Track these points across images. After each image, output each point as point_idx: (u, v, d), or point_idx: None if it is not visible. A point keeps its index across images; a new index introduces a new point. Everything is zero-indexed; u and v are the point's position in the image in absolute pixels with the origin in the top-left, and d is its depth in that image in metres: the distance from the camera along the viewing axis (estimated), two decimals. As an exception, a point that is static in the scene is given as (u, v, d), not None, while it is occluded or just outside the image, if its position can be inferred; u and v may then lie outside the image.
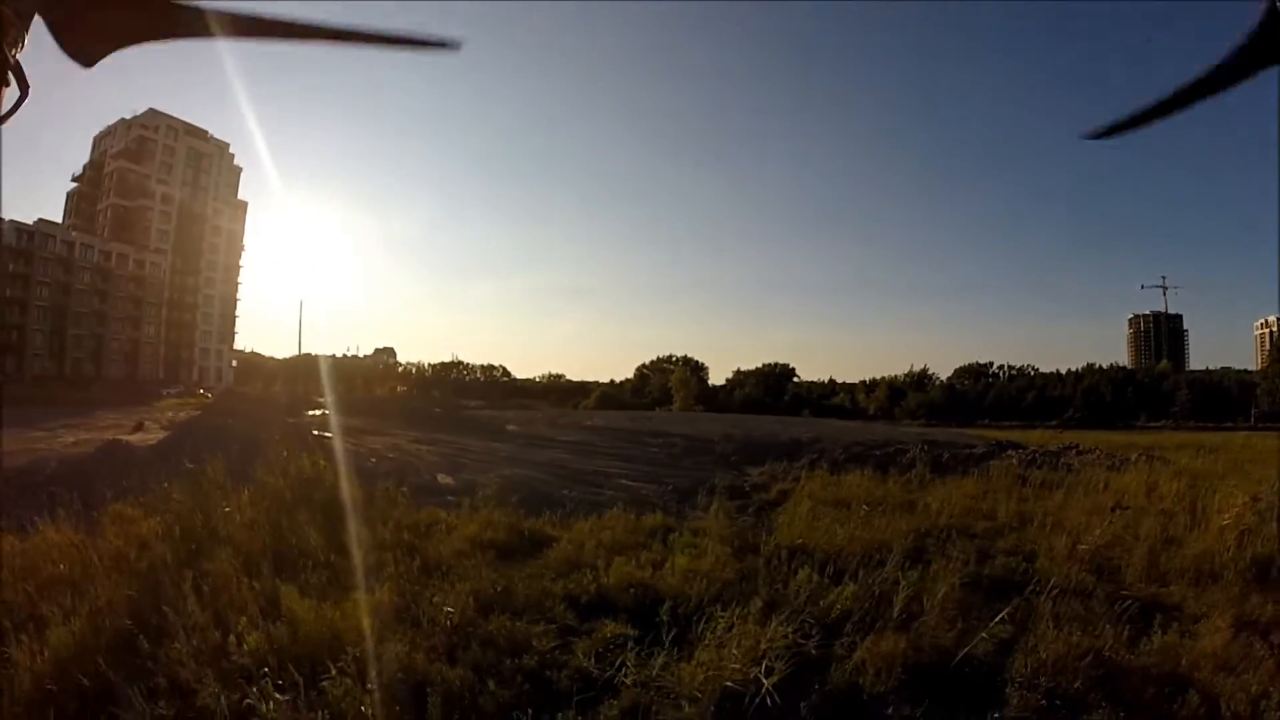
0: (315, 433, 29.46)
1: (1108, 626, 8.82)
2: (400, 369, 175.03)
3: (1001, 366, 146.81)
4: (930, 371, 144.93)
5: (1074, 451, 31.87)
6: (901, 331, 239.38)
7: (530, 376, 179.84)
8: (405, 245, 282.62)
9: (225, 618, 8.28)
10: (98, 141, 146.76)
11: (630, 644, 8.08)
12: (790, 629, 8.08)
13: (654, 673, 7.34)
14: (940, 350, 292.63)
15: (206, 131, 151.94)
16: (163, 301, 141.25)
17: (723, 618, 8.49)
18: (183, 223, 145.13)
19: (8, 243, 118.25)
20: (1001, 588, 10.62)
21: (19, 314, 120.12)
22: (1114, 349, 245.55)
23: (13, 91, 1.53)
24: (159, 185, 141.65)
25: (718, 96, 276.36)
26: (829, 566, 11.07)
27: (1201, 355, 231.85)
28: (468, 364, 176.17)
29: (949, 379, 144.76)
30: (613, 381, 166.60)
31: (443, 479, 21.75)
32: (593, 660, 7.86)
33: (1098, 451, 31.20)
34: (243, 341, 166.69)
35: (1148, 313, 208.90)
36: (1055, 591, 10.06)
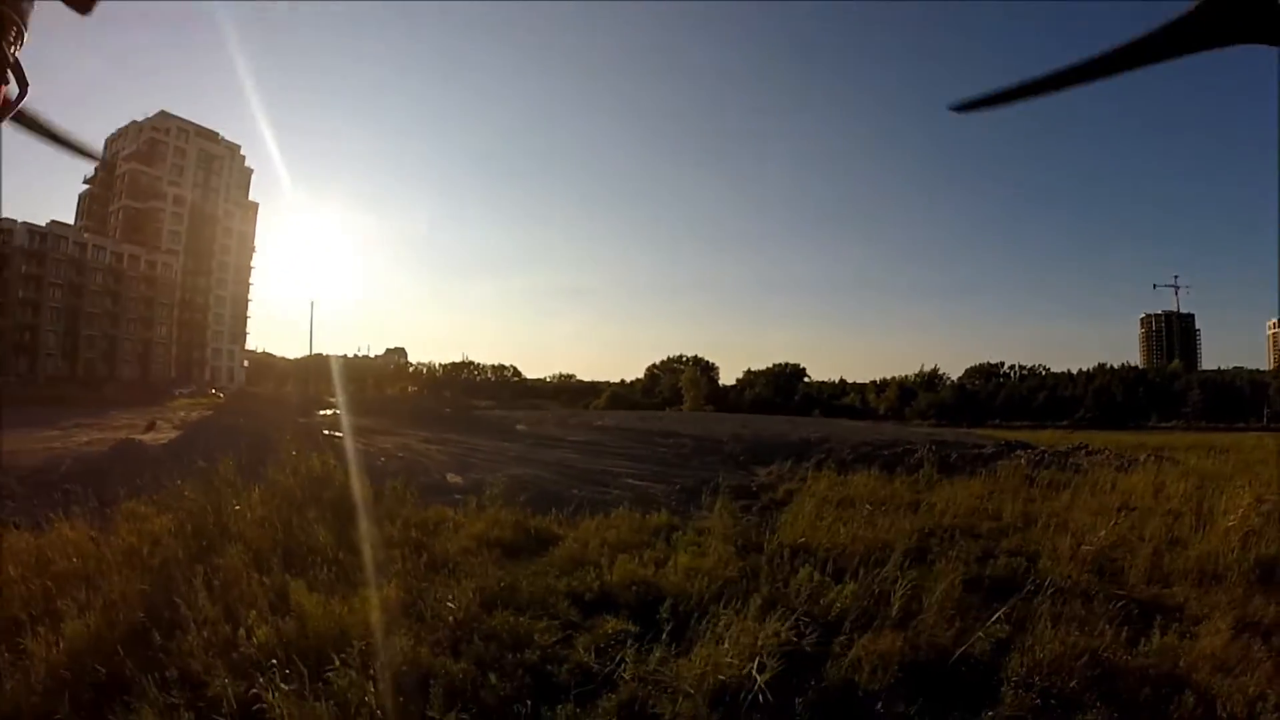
0: (326, 432, 29.66)
1: (1107, 627, 8.82)
2: (411, 369, 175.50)
3: (1012, 367, 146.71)
4: (941, 372, 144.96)
5: (1083, 452, 31.58)
6: (912, 331, 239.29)
7: (541, 377, 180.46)
8: (416, 246, 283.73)
9: (235, 612, 8.46)
10: (109, 144, 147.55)
11: (630, 640, 8.19)
12: (786, 627, 8.17)
13: (651, 668, 7.48)
14: (951, 350, 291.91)
15: (218, 133, 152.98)
16: (174, 302, 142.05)
17: (723, 615, 8.62)
18: (194, 224, 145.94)
19: (20, 244, 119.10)
20: (1003, 588, 10.60)
21: (32, 315, 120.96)
22: (1126, 349, 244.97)
23: (12, 89, 1.55)
24: (170, 187, 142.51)
25: (721, 96, 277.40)
26: (831, 565, 11.13)
27: (1214, 355, 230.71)
28: (478, 364, 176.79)
29: (960, 379, 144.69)
30: (623, 382, 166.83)
31: (451, 478, 21.85)
32: (593, 655, 7.98)
33: (1107, 452, 30.97)
34: (254, 342, 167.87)
35: (1160, 312, 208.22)
36: (1056, 592, 10.11)
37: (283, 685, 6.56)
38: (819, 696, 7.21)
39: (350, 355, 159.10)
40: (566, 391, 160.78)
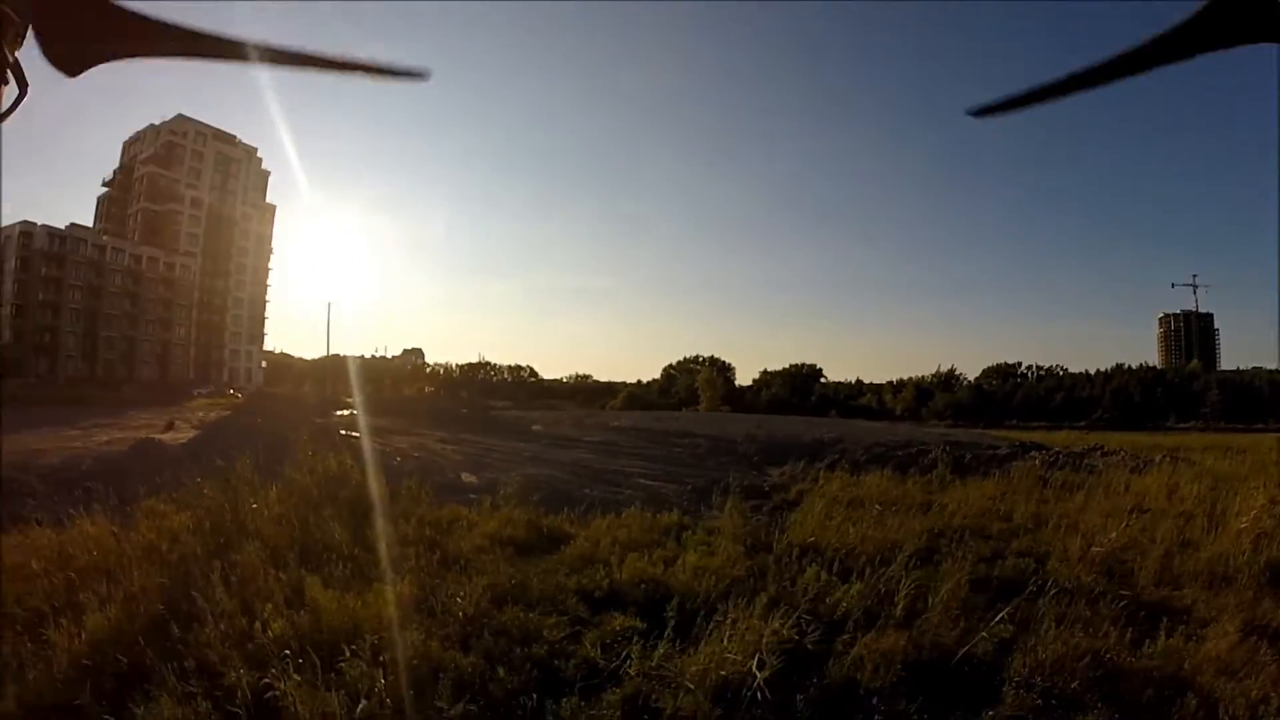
0: (343, 432, 29.87)
1: (1112, 629, 8.83)
2: (428, 370, 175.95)
3: (1030, 367, 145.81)
4: (958, 372, 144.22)
5: (1099, 453, 31.32)
6: (930, 332, 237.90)
7: (558, 377, 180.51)
8: (433, 247, 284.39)
9: (252, 606, 8.65)
10: (127, 147, 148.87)
11: (637, 637, 8.36)
12: (789, 625, 8.28)
13: (655, 664, 7.61)
14: (968, 351, 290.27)
15: (234, 136, 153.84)
16: (193, 303, 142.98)
17: (729, 613, 8.70)
18: (212, 226, 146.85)
19: (40, 247, 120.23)
20: (1010, 589, 10.59)
21: (52, 316, 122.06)
22: (1145, 349, 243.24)
23: (11, 90, 1.55)
24: (188, 190, 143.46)
25: (739, 97, 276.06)
26: (839, 565, 11.22)
27: (1233, 355, 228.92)
28: (495, 365, 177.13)
29: (977, 379, 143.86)
30: (640, 382, 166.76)
31: (466, 478, 22.01)
32: (599, 651, 8.12)
33: (1122, 453, 30.65)
34: (272, 343, 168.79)
35: (1178, 312, 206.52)
36: (1063, 593, 10.12)
37: (295, 676, 6.73)
38: (821, 694, 7.30)
39: (367, 356, 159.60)
40: (583, 392, 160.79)
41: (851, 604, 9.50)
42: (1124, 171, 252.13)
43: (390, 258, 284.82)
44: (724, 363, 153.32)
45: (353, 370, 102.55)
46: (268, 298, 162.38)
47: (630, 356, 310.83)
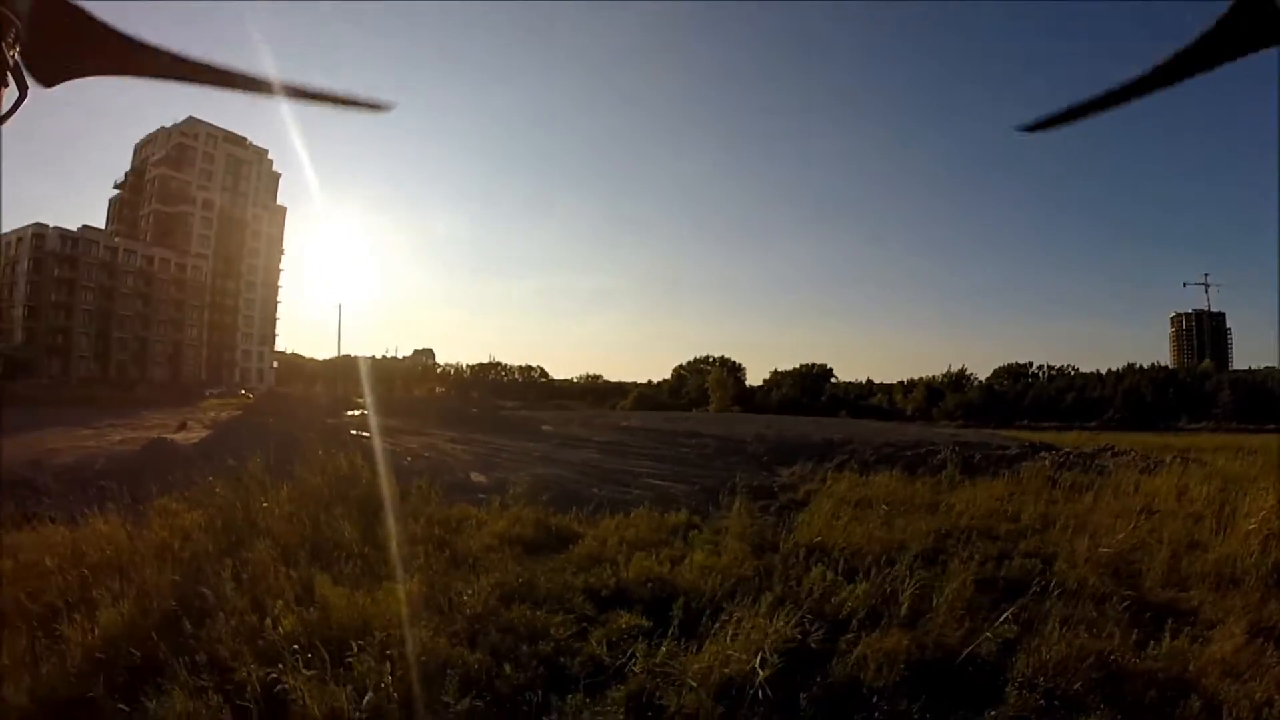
0: (353, 432, 30.06)
1: (1116, 630, 8.83)
2: (439, 370, 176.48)
3: (1041, 367, 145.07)
4: (968, 372, 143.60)
5: (1109, 453, 31.17)
6: (941, 332, 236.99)
7: (568, 377, 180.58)
8: (443, 248, 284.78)
9: (263, 603, 8.76)
10: (139, 149, 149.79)
11: (642, 635, 8.44)
12: (793, 624, 8.36)
13: (659, 661, 7.68)
14: (980, 350, 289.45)
15: (245, 139, 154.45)
16: (204, 304, 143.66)
17: (734, 612, 8.81)
18: (223, 227, 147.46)
19: (52, 249, 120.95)
20: (1016, 589, 10.61)
21: (64, 317, 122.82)
22: (1156, 348, 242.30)
23: (11, 92, 1.57)
24: (199, 191, 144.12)
25: (751, 95, 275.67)
26: (846, 565, 11.24)
27: (1245, 355, 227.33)
28: (506, 365, 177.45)
29: (987, 379, 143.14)
30: (650, 382, 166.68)
31: (476, 477, 22.14)
32: (605, 649, 8.20)
33: (1133, 453, 30.44)
34: (283, 343, 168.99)
35: (1190, 311, 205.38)
36: (1069, 594, 10.18)
37: (304, 671, 6.84)
38: (823, 692, 7.34)
39: (378, 356, 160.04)
40: (593, 392, 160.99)
41: (857, 604, 9.52)
42: (1136, 170, 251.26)
43: (401, 259, 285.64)
44: (734, 363, 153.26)
45: (364, 370, 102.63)
46: (279, 298, 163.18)
47: (641, 357, 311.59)
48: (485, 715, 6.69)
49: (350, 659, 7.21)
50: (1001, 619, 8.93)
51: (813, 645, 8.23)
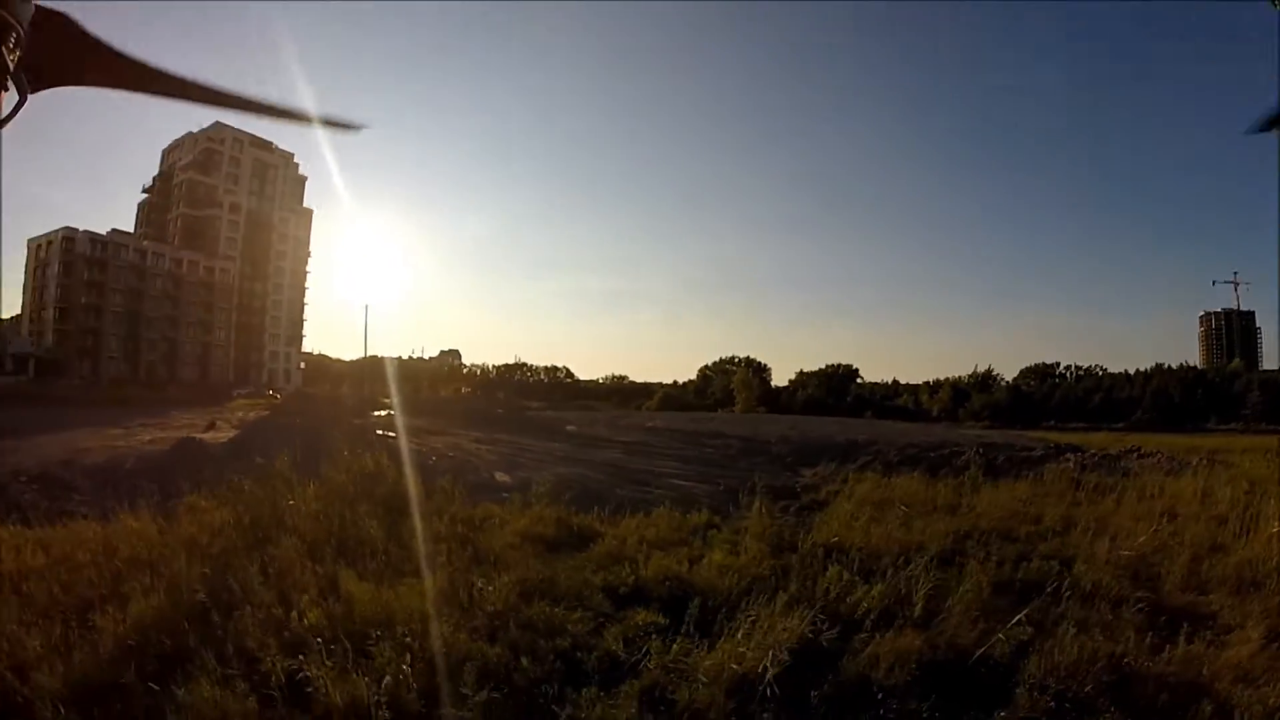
0: (379, 432, 30.29)
1: (1132, 633, 8.78)
2: (465, 370, 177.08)
3: (1069, 367, 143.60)
4: (995, 372, 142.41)
5: (1135, 455, 31.00)
6: (967, 332, 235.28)
7: (594, 378, 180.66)
8: (470, 249, 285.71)
9: (289, 596, 9.00)
10: (166, 154, 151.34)
11: (659, 632, 8.62)
12: (806, 623, 8.46)
13: (672, 658, 7.84)
14: (1007, 350, 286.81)
15: (272, 143, 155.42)
16: (232, 306, 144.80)
17: (749, 611, 8.92)
18: (250, 230, 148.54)
19: (82, 252, 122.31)
20: (1033, 591, 10.55)
21: (95, 319, 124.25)
22: (1186, 348, 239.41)
23: (11, 96, 1.59)
24: (227, 195, 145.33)
25: (778, 95, 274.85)
26: (864, 566, 11.32)
27: (1276, 354, 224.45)
28: (531, 366, 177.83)
29: (1014, 380, 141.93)
30: (676, 383, 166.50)
31: (500, 477, 22.27)
32: (621, 645, 8.34)
33: (1159, 455, 30.26)
34: (310, 344, 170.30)
35: (1219, 310, 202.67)
36: (1086, 596, 10.18)
37: (327, 662, 7.06)
38: (834, 690, 7.43)
39: (405, 357, 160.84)
40: (619, 393, 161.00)
41: (871, 604, 9.56)
42: (1166, 167, 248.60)
43: (429, 261, 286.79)
44: (760, 363, 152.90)
45: (390, 371, 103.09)
46: (306, 300, 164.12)
47: (667, 357, 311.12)
48: (502, 706, 6.85)
49: (371, 650, 7.40)
50: (1014, 620, 8.93)
51: (825, 644, 8.33)
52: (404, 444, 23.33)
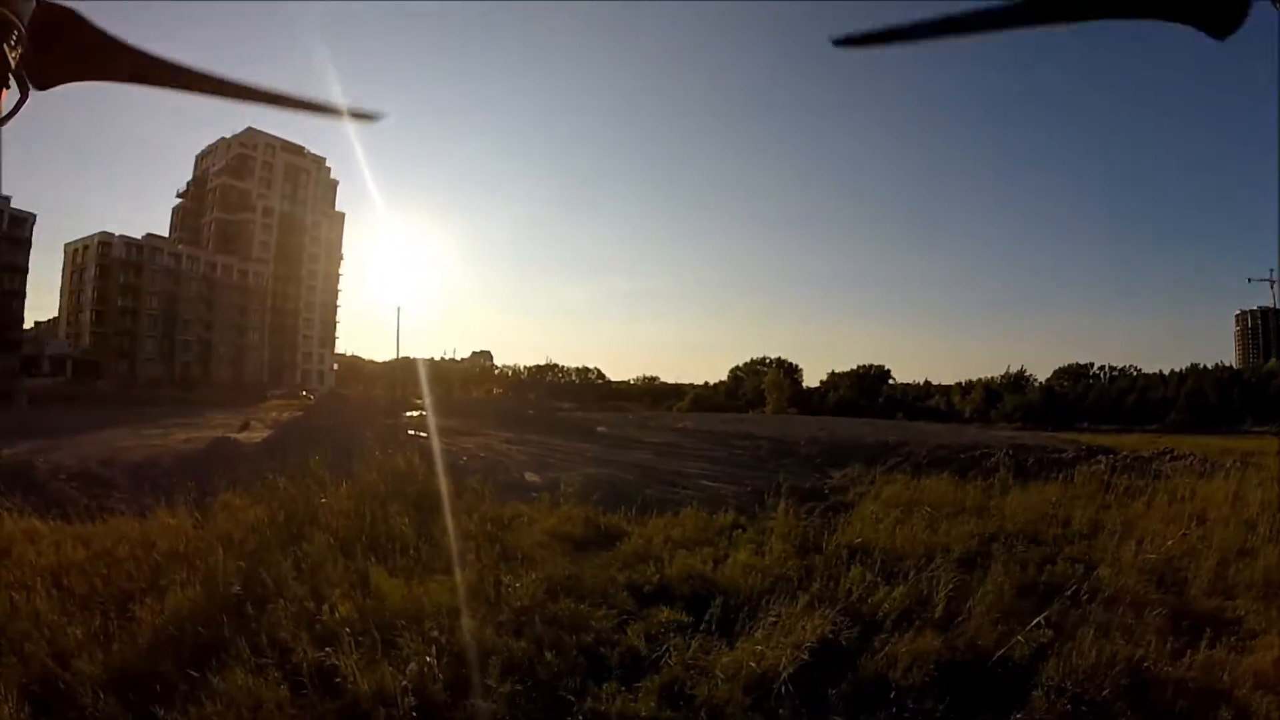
0: (411, 432, 30.59)
1: (1153, 637, 8.72)
2: (496, 372, 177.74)
3: (1102, 368, 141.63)
4: (1028, 373, 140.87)
5: (1167, 457, 30.67)
6: (1000, 331, 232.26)
7: (625, 379, 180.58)
8: (501, 250, 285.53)
9: (321, 591, 9.27)
10: (199, 160, 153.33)
11: (680, 630, 8.79)
12: (826, 622, 8.58)
13: (691, 654, 8.00)
14: (1040, 350, 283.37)
15: (303, 147, 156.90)
16: (266, 308, 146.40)
17: (770, 610, 9.06)
18: (283, 234, 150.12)
19: (118, 256, 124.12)
20: (1056, 594, 10.49)
21: (131, 322, 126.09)
22: (1222, 347, 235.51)
23: (12, 94, 1.58)
24: (259, 199, 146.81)
25: (805, 93, 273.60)
26: (888, 567, 11.38)
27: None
28: (563, 367, 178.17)
29: (1047, 380, 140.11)
30: (707, 384, 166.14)
31: (529, 477, 22.47)
32: (644, 641, 8.52)
33: (1192, 457, 29.81)
34: (343, 345, 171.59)
35: (1255, 308, 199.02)
36: (1108, 600, 10.13)
37: (355, 653, 7.30)
38: (852, 689, 7.53)
39: (437, 358, 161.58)
40: (650, 394, 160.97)
41: (893, 605, 9.63)
42: (1202, 163, 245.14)
43: (460, 262, 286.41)
44: (791, 364, 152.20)
45: (422, 372, 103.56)
46: (339, 302, 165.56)
47: (698, 358, 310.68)
48: (525, 698, 7.05)
49: (399, 642, 7.62)
50: (1033, 623, 8.94)
51: (844, 644, 8.45)
52: (435, 444, 23.52)
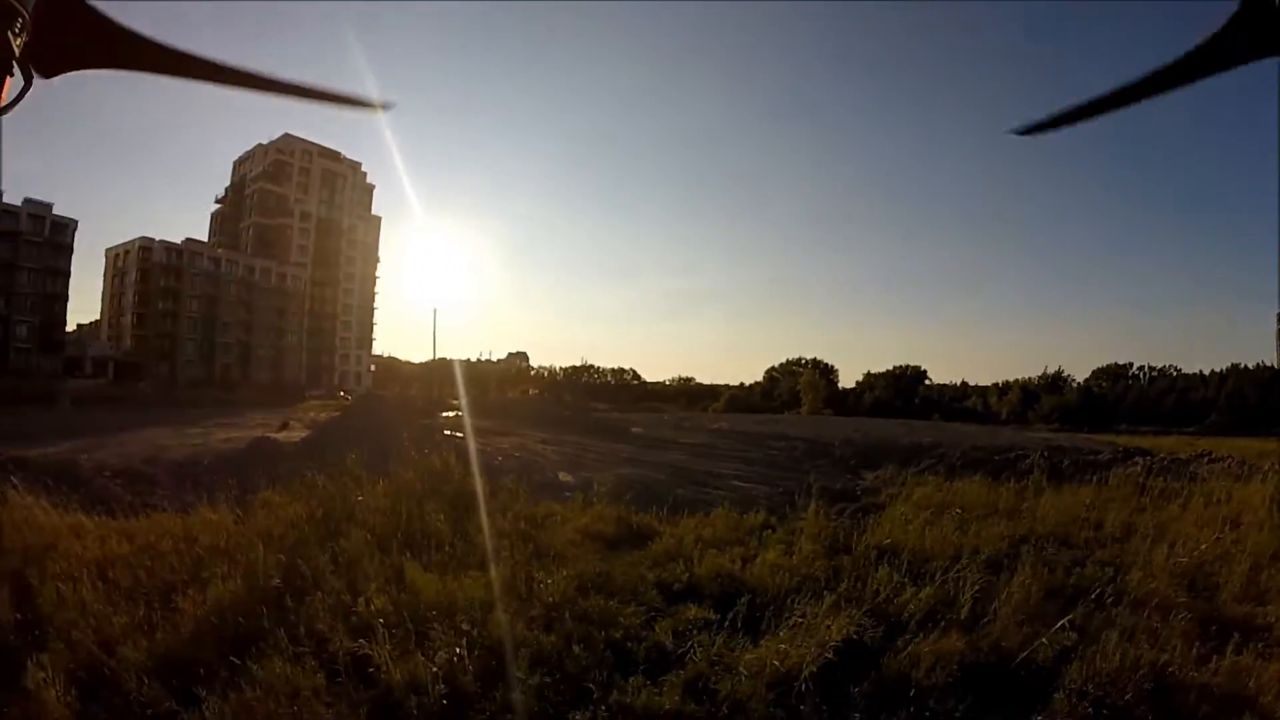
0: (447, 433, 30.84)
1: (1179, 642, 8.62)
2: (532, 372, 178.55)
3: (1142, 368, 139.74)
4: (1065, 373, 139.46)
5: (1205, 460, 30.29)
6: (1039, 331, 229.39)
7: (660, 380, 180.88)
8: (537, 251, 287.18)
9: (357, 585, 9.57)
10: (237, 166, 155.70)
11: (706, 627, 8.94)
12: (851, 622, 8.68)
13: (715, 650, 8.15)
14: (1080, 349, 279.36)
15: (339, 153, 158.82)
16: (304, 311, 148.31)
17: (795, 609, 9.18)
18: (321, 238, 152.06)
19: (158, 261, 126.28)
20: (1084, 597, 10.43)
21: (171, 324, 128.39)
22: (1264, 347, 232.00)
23: (16, 82, 1.57)
24: (297, 204, 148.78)
25: (845, 92, 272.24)
26: (916, 568, 11.43)
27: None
28: (598, 368, 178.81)
29: (1085, 381, 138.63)
30: (742, 385, 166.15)
31: (563, 476, 22.63)
32: (670, 637, 8.66)
33: (1229, 460, 29.34)
34: (380, 347, 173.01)
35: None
36: (1137, 604, 10.09)
37: (389, 645, 7.54)
38: (874, 688, 7.60)
39: (473, 359, 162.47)
40: (685, 395, 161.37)
41: (919, 606, 9.68)
42: (1241, 157, 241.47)
43: (496, 264, 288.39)
44: (827, 365, 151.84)
45: (458, 373, 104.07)
46: (375, 304, 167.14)
47: (734, 359, 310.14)
48: (553, 689, 7.26)
49: (432, 634, 7.86)
50: (1057, 625, 8.94)
51: (869, 643, 8.53)
52: (471, 444, 23.70)
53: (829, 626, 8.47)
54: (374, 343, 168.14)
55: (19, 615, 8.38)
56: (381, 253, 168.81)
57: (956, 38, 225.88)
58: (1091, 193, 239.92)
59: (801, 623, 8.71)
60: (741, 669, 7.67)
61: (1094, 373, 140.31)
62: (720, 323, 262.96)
